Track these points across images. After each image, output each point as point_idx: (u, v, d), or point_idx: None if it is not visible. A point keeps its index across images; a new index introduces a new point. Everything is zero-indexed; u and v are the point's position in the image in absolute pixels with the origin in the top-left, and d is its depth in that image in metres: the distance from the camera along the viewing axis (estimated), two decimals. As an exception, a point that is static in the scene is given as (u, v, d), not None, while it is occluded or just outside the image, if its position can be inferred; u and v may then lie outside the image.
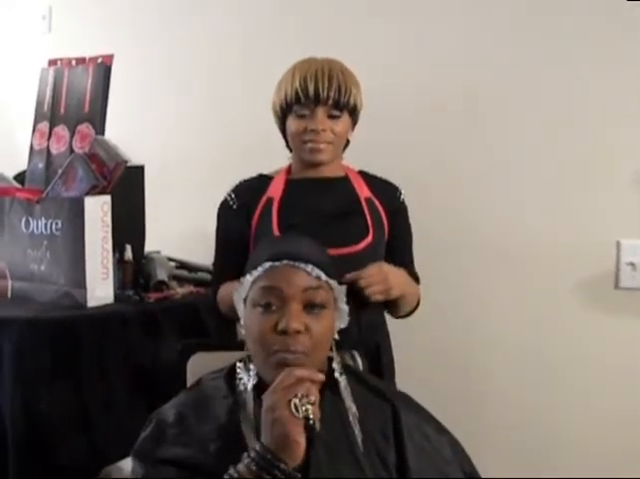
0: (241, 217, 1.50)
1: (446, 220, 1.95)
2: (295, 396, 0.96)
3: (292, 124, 1.48)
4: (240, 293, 1.15)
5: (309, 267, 1.09)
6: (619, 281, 1.85)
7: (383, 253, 1.53)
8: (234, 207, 1.52)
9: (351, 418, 1.09)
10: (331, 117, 1.47)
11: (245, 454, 0.98)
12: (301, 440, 0.95)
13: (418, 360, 1.92)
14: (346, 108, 1.48)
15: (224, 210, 1.53)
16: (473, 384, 1.96)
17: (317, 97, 1.45)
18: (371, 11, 2.04)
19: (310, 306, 1.09)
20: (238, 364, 1.15)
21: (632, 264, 1.83)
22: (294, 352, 1.06)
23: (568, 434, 1.89)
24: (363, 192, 1.54)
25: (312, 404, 0.97)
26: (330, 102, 1.45)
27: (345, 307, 1.17)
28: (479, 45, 1.92)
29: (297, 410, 0.95)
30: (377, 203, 1.53)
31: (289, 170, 1.56)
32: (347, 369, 1.18)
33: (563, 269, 1.88)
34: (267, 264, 1.10)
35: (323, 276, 1.11)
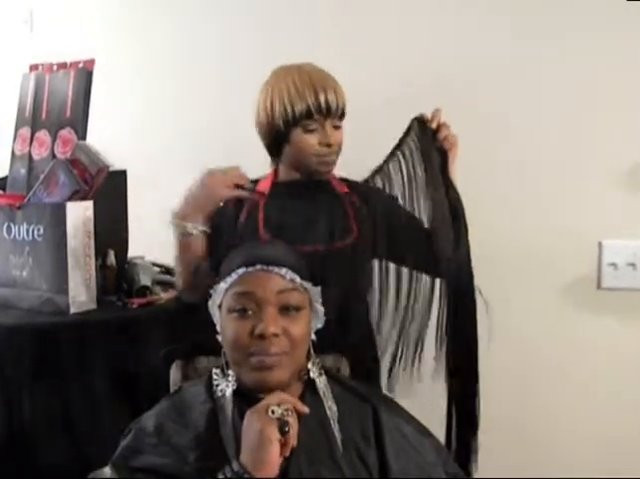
0: (229, 212, 1.50)
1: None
2: (273, 404, 1.01)
3: (302, 138, 1.46)
4: (215, 300, 1.15)
5: (283, 271, 1.11)
6: (601, 282, 1.87)
7: (368, 250, 1.54)
8: (220, 203, 1.50)
9: (331, 419, 1.10)
10: (335, 127, 1.48)
11: (221, 472, 0.98)
12: (273, 440, 0.97)
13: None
14: (344, 116, 1.50)
15: (215, 211, 1.51)
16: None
17: (329, 111, 1.45)
18: (351, 11, 2.04)
19: (286, 309, 1.10)
20: (215, 371, 1.15)
21: (614, 265, 1.85)
22: (272, 355, 1.07)
23: (553, 434, 1.90)
24: (343, 190, 1.55)
25: (288, 410, 1.00)
26: (338, 114, 1.47)
27: (321, 308, 1.18)
28: (473, 44, 1.92)
29: (273, 413, 1.00)
30: (357, 201, 1.54)
31: (276, 173, 1.56)
32: (326, 371, 1.18)
33: (546, 271, 1.89)
34: (241, 271, 1.11)
35: (297, 279, 1.12)
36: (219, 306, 1.15)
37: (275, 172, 1.57)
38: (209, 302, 1.17)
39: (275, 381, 1.08)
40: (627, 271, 1.84)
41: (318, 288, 1.16)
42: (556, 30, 1.85)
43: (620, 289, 1.85)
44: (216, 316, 1.16)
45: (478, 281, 1.76)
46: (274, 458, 0.97)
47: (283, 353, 1.08)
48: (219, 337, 1.15)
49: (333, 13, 2.06)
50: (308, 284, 1.14)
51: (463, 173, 1.68)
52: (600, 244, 1.85)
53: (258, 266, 1.10)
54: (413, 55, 1.97)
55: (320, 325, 1.19)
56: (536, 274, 1.89)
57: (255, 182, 1.55)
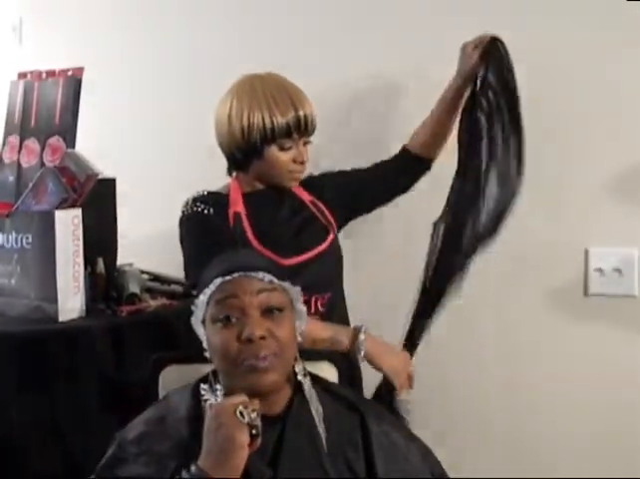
0: (224, 221, 1.50)
1: (411, 231, 1.90)
2: (240, 405, 1.01)
3: (277, 155, 1.47)
4: (197, 316, 1.15)
5: (260, 275, 1.11)
6: (588, 288, 1.88)
7: (340, 246, 1.60)
8: (211, 213, 1.50)
9: (317, 421, 1.11)
10: (305, 144, 1.51)
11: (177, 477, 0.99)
12: (245, 446, 0.98)
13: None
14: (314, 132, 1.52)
15: (201, 219, 1.51)
16: (441, 393, 1.97)
17: (306, 129, 1.47)
18: (324, 12, 2.06)
19: (269, 311, 1.10)
20: (203, 386, 1.14)
21: (600, 271, 1.86)
22: (263, 358, 1.07)
23: (538, 441, 1.91)
24: (304, 195, 1.58)
25: (255, 411, 1.00)
26: (312, 131, 1.50)
27: (303, 308, 1.18)
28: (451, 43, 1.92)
29: (242, 416, 0.99)
30: (318, 202, 1.59)
31: (240, 185, 1.56)
32: (314, 379, 1.19)
33: (533, 277, 1.90)
34: (218, 280, 1.11)
35: (276, 280, 1.12)
36: (203, 322, 1.15)
37: (240, 184, 1.56)
38: (192, 319, 1.16)
39: (269, 383, 1.08)
40: (613, 277, 1.86)
41: (298, 288, 1.17)
42: (543, 30, 1.85)
43: (607, 295, 1.86)
44: (201, 332, 1.16)
45: (465, 288, 1.79)
46: (242, 463, 0.98)
47: (273, 355, 1.08)
48: (207, 354, 1.15)
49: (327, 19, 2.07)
50: (287, 284, 1.15)
51: (447, 182, 1.69)
52: (586, 251, 1.87)
53: (236, 274, 1.11)
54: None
55: (304, 327, 1.19)
56: (524, 281, 1.90)
57: (222, 195, 1.55)
